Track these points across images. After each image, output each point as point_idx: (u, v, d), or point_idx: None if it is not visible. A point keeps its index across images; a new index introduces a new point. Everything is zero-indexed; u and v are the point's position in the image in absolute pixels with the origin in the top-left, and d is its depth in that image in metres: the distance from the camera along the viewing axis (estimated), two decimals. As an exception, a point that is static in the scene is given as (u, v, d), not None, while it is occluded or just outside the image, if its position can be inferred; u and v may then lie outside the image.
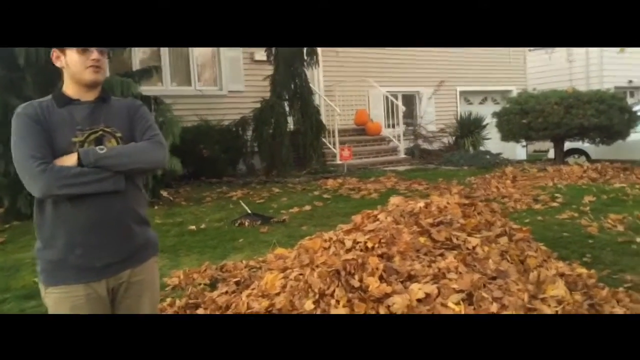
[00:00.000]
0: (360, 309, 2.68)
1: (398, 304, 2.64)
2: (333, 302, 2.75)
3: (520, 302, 2.64)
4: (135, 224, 1.99)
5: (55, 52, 1.93)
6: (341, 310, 2.68)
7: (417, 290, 2.69)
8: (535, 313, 2.62)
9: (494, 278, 2.89)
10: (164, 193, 8.16)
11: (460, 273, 2.83)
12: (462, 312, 2.58)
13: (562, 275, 3.18)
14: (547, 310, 2.64)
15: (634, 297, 3.31)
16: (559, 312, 2.65)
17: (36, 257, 1.96)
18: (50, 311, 1.94)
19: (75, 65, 1.90)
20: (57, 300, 1.90)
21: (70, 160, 1.83)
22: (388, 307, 2.66)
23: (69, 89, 1.95)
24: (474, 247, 3.24)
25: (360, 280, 2.85)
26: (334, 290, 2.82)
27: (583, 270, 3.35)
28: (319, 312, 2.76)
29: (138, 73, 8.52)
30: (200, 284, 4.11)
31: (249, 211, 6.64)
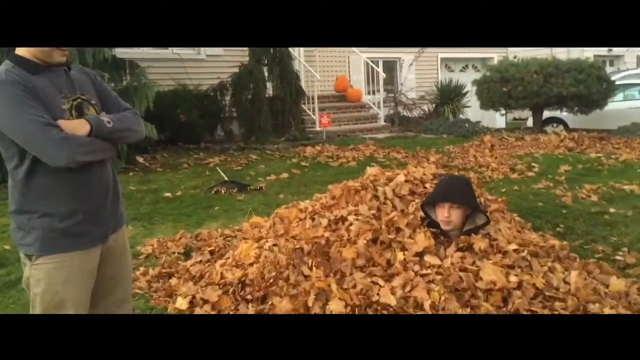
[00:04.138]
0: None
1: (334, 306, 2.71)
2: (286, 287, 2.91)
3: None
4: (118, 189, 2.07)
5: None
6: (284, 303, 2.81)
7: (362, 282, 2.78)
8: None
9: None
10: (140, 159, 8.04)
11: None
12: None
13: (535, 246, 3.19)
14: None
15: (604, 269, 3.36)
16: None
17: (23, 230, 1.88)
18: (38, 284, 1.88)
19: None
20: (50, 271, 1.86)
21: (82, 129, 1.82)
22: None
23: (33, 55, 1.83)
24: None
25: (310, 268, 2.96)
26: (288, 276, 2.96)
27: (556, 242, 3.37)
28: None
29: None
30: (174, 253, 4.07)
31: (226, 178, 6.58)
